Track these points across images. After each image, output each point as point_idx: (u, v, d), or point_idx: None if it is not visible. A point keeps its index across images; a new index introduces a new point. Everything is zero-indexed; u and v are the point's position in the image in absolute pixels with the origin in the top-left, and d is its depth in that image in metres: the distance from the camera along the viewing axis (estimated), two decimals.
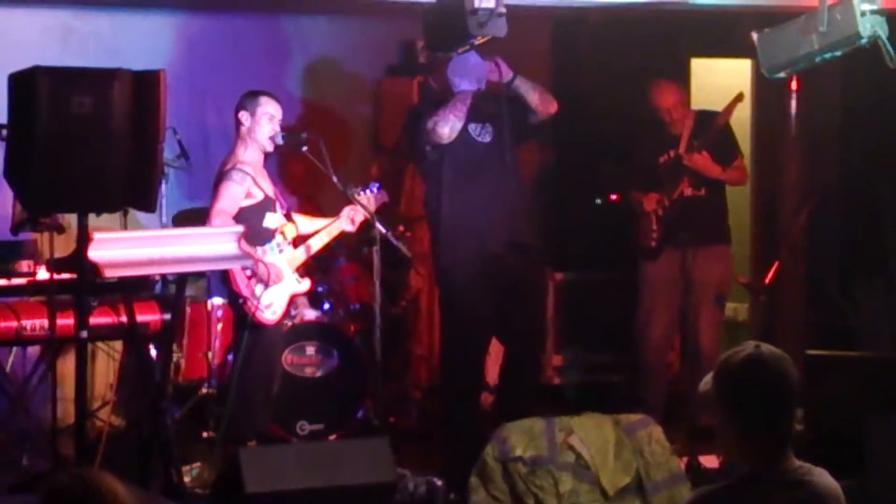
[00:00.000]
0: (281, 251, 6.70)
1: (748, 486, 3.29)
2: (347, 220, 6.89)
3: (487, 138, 6.83)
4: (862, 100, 8.16)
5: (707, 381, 3.42)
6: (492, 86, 6.89)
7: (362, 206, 6.79)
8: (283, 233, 6.71)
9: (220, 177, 6.59)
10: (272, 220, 6.67)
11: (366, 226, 6.87)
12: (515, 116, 6.86)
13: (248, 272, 6.50)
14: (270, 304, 6.55)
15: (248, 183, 6.52)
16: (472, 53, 6.73)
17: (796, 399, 3.33)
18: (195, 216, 7.11)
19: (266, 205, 6.62)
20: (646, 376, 7.74)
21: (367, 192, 6.93)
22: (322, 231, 6.90)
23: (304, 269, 6.97)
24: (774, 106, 8.17)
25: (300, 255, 6.81)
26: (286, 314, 6.76)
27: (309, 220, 6.99)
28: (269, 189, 6.68)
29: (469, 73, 6.77)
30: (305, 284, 6.82)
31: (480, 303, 6.75)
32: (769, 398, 3.29)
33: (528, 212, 7.04)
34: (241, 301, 6.53)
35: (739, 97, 7.60)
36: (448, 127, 6.72)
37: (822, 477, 3.36)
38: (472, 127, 6.82)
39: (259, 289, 6.47)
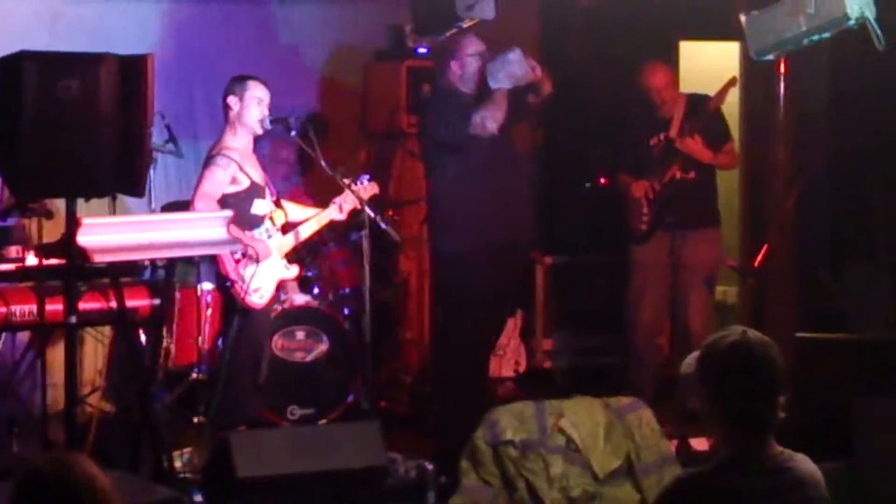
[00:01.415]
0: (270, 237, 6.69)
1: (729, 470, 3.29)
2: (336, 209, 6.89)
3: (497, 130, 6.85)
4: (850, 82, 8.16)
5: (689, 363, 3.41)
6: None
7: (352, 192, 6.78)
8: (271, 219, 6.70)
9: (206, 161, 6.59)
10: (260, 206, 6.65)
11: (355, 210, 6.87)
12: (513, 98, 6.87)
13: (237, 255, 6.49)
14: (258, 288, 6.54)
15: (232, 168, 6.51)
16: (516, 52, 6.74)
17: (781, 386, 3.33)
18: (184, 207, 7.10)
19: (253, 191, 6.61)
20: (636, 359, 7.76)
21: (358, 183, 6.92)
22: (311, 219, 6.89)
23: (294, 255, 6.97)
24: (763, 89, 8.15)
25: (289, 241, 6.80)
26: (274, 299, 6.75)
27: (299, 208, 6.99)
28: (258, 175, 6.67)
29: (511, 72, 6.76)
30: (294, 270, 6.82)
31: (482, 290, 6.76)
32: (754, 385, 3.28)
33: (529, 201, 7.05)
34: (228, 284, 6.52)
35: (732, 81, 7.60)
36: (497, 124, 6.76)
37: (804, 463, 3.36)
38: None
39: (249, 270, 6.46)
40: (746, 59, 8.43)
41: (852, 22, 5.54)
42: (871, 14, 5.50)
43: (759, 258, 7.48)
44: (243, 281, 6.44)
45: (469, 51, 6.86)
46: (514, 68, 6.77)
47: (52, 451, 2.77)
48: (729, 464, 3.29)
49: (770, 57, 6.29)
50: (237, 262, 6.48)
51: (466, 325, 6.82)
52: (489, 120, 6.71)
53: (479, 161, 6.76)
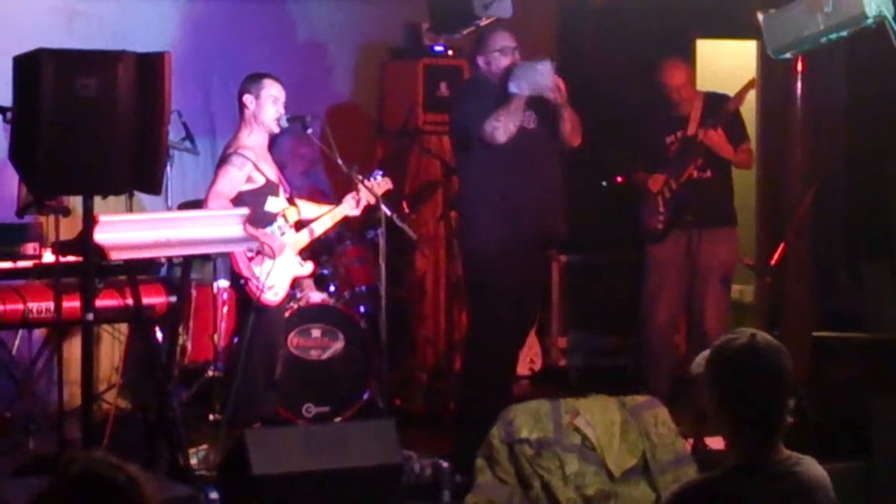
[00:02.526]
0: (283, 234, 6.69)
1: (735, 477, 3.28)
2: (351, 204, 6.89)
3: (532, 125, 6.79)
4: (868, 81, 8.13)
5: (699, 363, 3.40)
6: None
7: (367, 188, 6.79)
8: (284, 216, 6.70)
9: (222, 160, 6.59)
10: (274, 203, 6.66)
11: (371, 208, 6.87)
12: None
13: (250, 253, 6.49)
14: (272, 286, 6.54)
15: (248, 167, 6.51)
16: (546, 65, 6.65)
17: (789, 391, 3.32)
18: (200, 206, 7.10)
19: (268, 189, 6.61)
20: (651, 358, 7.74)
21: (372, 178, 6.92)
22: (325, 215, 6.89)
23: (309, 252, 6.97)
24: (780, 87, 8.15)
25: (303, 238, 6.80)
26: (288, 296, 6.75)
27: (313, 205, 6.99)
28: (272, 173, 6.67)
29: (534, 82, 6.67)
30: (308, 268, 6.82)
31: (511, 288, 6.73)
32: (762, 389, 3.27)
33: (561, 195, 7.00)
34: (242, 282, 6.53)
35: (752, 83, 7.57)
36: (507, 135, 6.64)
37: (811, 467, 3.35)
38: None
39: (264, 267, 6.46)
40: (764, 58, 8.43)
41: (870, 20, 5.51)
42: (889, 12, 5.48)
43: (776, 257, 7.47)
44: (256, 279, 6.45)
45: (496, 45, 6.77)
46: (539, 79, 6.64)
47: (95, 451, 2.65)
48: (735, 470, 3.28)
49: (787, 55, 6.26)
50: (250, 259, 6.49)
51: (497, 322, 6.74)
52: (500, 130, 6.58)
53: (511, 154, 6.70)
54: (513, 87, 6.63)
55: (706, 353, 3.38)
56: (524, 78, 6.64)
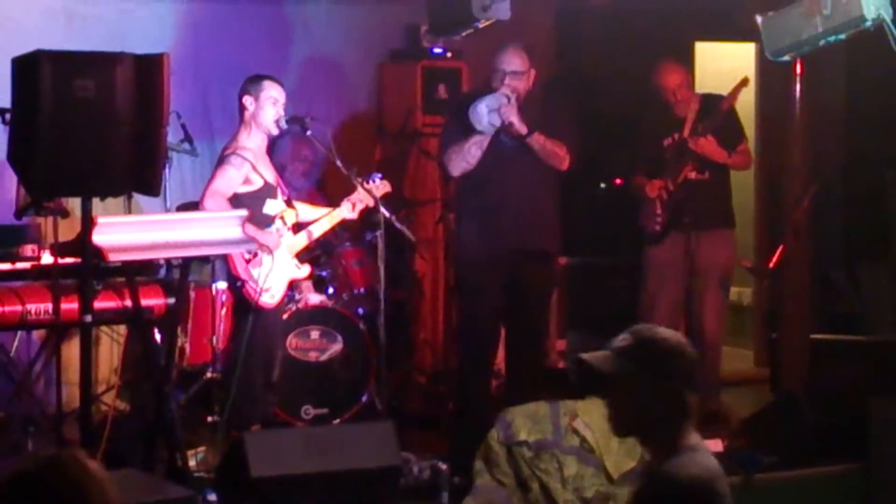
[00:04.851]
0: (280, 236, 6.69)
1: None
2: (348, 207, 6.89)
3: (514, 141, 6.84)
4: (866, 83, 8.15)
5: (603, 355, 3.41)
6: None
7: (366, 190, 6.79)
8: (282, 218, 6.70)
9: (220, 160, 6.60)
10: (272, 206, 6.65)
11: (369, 210, 6.88)
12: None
13: (248, 255, 6.49)
14: (269, 288, 6.54)
15: (246, 168, 6.51)
16: (481, 104, 6.69)
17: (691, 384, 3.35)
18: (198, 207, 7.11)
19: (266, 191, 6.61)
20: None
21: (370, 181, 6.92)
22: (323, 218, 6.89)
23: (307, 254, 6.97)
24: (779, 89, 8.15)
25: (300, 240, 6.80)
26: (285, 298, 6.75)
27: (311, 208, 6.99)
28: (270, 176, 6.67)
29: (483, 122, 6.73)
30: (305, 270, 6.82)
31: (489, 294, 6.84)
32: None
33: (552, 213, 7.02)
34: (239, 284, 6.53)
35: (744, 82, 7.58)
36: (459, 170, 6.83)
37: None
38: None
39: (262, 269, 6.46)
40: (762, 60, 8.44)
41: (869, 23, 5.52)
42: (887, 15, 5.49)
43: (775, 259, 7.48)
44: (254, 281, 6.45)
45: (507, 68, 6.80)
46: (484, 121, 6.70)
47: (45, 451, 2.63)
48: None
49: (786, 58, 6.28)
50: (248, 261, 6.49)
51: (475, 328, 6.91)
52: (452, 165, 6.80)
53: (487, 171, 6.78)
54: (476, 126, 6.69)
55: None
56: (476, 121, 6.71)
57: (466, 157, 6.75)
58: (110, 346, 7.47)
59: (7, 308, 6.25)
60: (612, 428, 3.35)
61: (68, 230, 6.37)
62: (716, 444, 6.53)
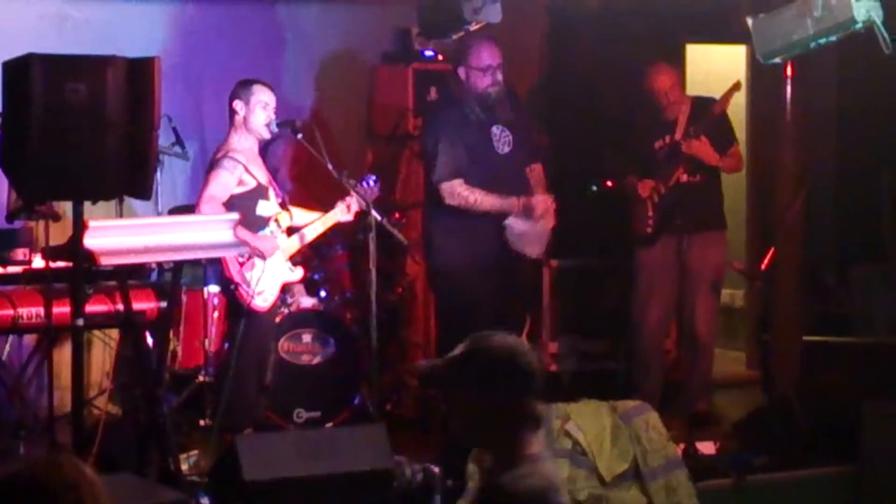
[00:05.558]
0: (275, 239, 6.69)
1: None
2: (343, 210, 6.89)
3: (506, 149, 6.89)
4: (857, 85, 8.15)
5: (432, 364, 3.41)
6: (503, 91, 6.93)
7: (358, 194, 6.79)
8: (276, 221, 6.70)
9: (212, 164, 6.60)
10: (265, 207, 6.66)
11: (362, 214, 6.87)
12: (531, 131, 6.92)
13: (241, 259, 6.49)
14: (262, 291, 6.54)
15: (239, 171, 6.52)
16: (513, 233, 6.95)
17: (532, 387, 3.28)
18: (191, 211, 7.10)
19: (258, 192, 6.61)
20: (642, 363, 7.75)
21: (364, 184, 6.92)
22: (317, 221, 6.90)
23: (300, 258, 6.96)
24: (770, 92, 8.15)
25: (294, 243, 6.80)
26: (278, 301, 6.75)
27: (305, 212, 6.99)
28: (263, 177, 6.68)
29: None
30: (298, 273, 6.82)
31: (473, 293, 6.85)
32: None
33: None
34: (232, 287, 6.52)
35: (737, 86, 7.59)
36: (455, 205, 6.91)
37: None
38: (494, 130, 6.88)
39: (255, 272, 6.46)
40: (753, 63, 8.45)
41: (859, 25, 5.53)
42: (878, 17, 5.50)
43: (766, 262, 7.48)
44: (248, 284, 6.45)
45: (480, 64, 6.86)
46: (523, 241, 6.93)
47: (36, 455, 2.64)
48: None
49: (777, 60, 6.29)
50: (241, 265, 6.49)
51: (455, 320, 6.92)
52: (454, 202, 6.89)
53: (486, 178, 6.82)
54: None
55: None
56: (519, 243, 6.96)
57: (472, 209, 6.85)
58: (102, 350, 7.46)
59: None
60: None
61: (60, 234, 6.37)
62: (708, 447, 6.54)
